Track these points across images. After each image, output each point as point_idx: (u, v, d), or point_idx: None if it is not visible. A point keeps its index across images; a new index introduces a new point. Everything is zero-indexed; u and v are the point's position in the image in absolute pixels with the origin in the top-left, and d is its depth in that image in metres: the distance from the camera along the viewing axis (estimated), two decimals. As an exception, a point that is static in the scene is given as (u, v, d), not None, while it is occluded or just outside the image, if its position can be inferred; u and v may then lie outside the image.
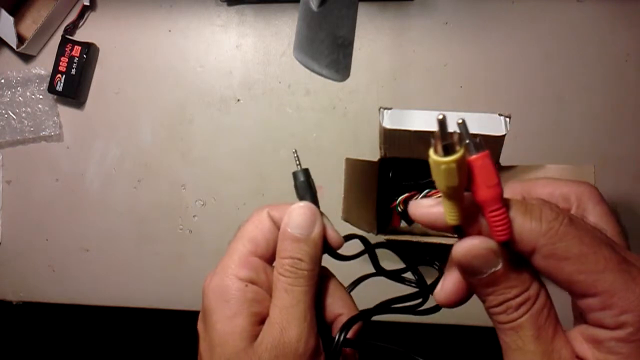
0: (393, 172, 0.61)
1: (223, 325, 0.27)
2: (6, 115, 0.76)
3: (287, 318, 0.28)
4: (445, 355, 1.13)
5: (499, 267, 0.23)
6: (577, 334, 0.24)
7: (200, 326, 0.30)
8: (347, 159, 0.52)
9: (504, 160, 0.57)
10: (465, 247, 0.23)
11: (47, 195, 0.75)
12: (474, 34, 0.70)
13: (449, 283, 0.27)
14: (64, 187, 0.75)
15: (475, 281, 0.24)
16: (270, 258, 0.30)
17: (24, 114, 0.76)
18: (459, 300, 0.27)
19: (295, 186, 0.31)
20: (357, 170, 0.54)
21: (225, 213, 0.71)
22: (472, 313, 0.67)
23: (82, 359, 1.25)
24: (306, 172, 0.31)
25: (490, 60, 0.70)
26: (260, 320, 0.28)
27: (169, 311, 0.71)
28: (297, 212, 0.29)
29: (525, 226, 0.23)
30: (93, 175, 0.75)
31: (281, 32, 0.74)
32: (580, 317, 0.24)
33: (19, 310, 0.75)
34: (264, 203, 0.76)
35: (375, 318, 0.33)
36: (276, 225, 0.30)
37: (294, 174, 0.31)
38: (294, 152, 0.32)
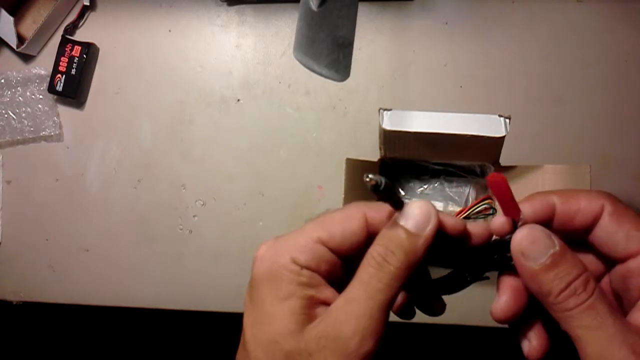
0: (393, 172, 0.61)
1: (272, 304, 0.26)
2: (6, 115, 0.76)
3: (349, 310, 0.25)
4: (445, 355, 1.13)
5: (557, 247, 0.25)
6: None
7: (247, 297, 0.28)
8: (347, 159, 0.52)
9: (503, 160, 0.57)
10: (523, 234, 0.25)
11: (47, 195, 0.75)
12: (474, 34, 0.70)
13: (504, 297, 0.27)
14: (64, 187, 0.75)
15: (539, 270, 0.25)
16: (340, 253, 0.28)
17: (24, 114, 0.76)
18: (516, 313, 0.27)
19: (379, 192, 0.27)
20: (357, 170, 0.54)
21: (225, 213, 0.71)
22: (472, 313, 0.67)
23: (82, 359, 1.25)
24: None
25: (490, 60, 0.70)
26: (313, 304, 0.27)
27: (169, 311, 0.71)
28: (415, 205, 0.27)
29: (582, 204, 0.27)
30: (93, 175, 0.75)
31: (281, 32, 0.74)
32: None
33: (19, 310, 0.75)
34: (264, 203, 0.76)
35: None
36: (368, 227, 0.28)
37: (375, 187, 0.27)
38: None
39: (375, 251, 0.26)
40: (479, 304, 0.65)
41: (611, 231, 0.26)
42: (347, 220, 0.28)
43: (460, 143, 0.52)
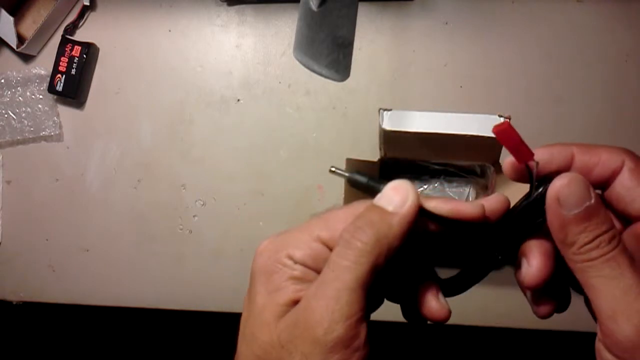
0: (393, 172, 0.61)
1: (262, 297, 0.26)
2: (6, 115, 0.76)
3: (317, 295, 0.24)
4: (445, 355, 1.13)
5: (592, 200, 0.24)
6: None
7: (247, 292, 0.28)
8: (347, 159, 0.52)
9: (503, 160, 0.57)
10: (563, 182, 0.24)
11: (47, 195, 0.75)
12: (474, 34, 0.70)
13: (535, 262, 0.26)
14: (64, 187, 0.75)
15: (572, 219, 0.24)
16: None
17: (24, 114, 0.76)
18: (547, 278, 0.26)
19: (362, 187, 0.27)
20: (357, 170, 0.54)
21: (225, 213, 0.71)
22: (472, 313, 0.67)
23: (82, 359, 1.25)
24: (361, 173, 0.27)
25: (490, 60, 0.70)
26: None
27: (169, 311, 0.71)
28: (390, 185, 0.26)
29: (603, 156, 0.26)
30: (93, 175, 0.75)
31: (281, 32, 0.74)
32: None
33: (19, 310, 0.75)
34: (264, 203, 0.76)
35: (374, 317, 0.33)
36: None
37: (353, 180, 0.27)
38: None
39: (345, 230, 0.25)
40: (479, 304, 0.65)
41: (630, 187, 0.26)
42: (351, 219, 0.26)
43: (460, 143, 0.52)
